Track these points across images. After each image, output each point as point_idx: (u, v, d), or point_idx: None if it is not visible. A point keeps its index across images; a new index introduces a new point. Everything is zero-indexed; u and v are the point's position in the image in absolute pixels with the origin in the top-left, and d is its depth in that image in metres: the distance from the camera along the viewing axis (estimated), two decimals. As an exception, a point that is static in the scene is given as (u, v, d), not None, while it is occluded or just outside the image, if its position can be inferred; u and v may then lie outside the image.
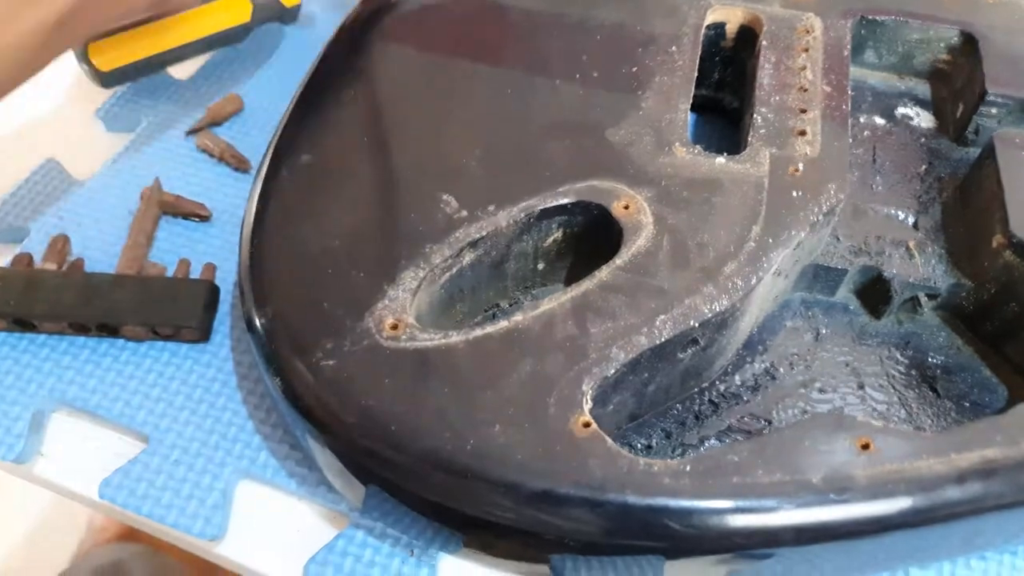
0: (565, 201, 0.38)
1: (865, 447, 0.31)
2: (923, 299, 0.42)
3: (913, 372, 0.41)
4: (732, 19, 0.50)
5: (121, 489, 0.36)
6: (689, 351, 0.36)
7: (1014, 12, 0.50)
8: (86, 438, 0.39)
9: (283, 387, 0.33)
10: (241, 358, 0.41)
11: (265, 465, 0.37)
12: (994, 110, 0.47)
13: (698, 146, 0.41)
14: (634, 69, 0.45)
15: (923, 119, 0.50)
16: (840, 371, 0.41)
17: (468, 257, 0.37)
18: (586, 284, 0.35)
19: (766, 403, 0.40)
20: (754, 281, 0.36)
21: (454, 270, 0.37)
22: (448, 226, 0.37)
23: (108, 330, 0.41)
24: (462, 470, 0.30)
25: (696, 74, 0.45)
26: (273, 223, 0.38)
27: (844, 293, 0.44)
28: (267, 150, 0.42)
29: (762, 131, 0.42)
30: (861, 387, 0.40)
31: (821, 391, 0.40)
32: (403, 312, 0.34)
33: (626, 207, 0.38)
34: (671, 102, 0.43)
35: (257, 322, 0.34)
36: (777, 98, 0.44)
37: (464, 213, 0.38)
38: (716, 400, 0.40)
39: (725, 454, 0.31)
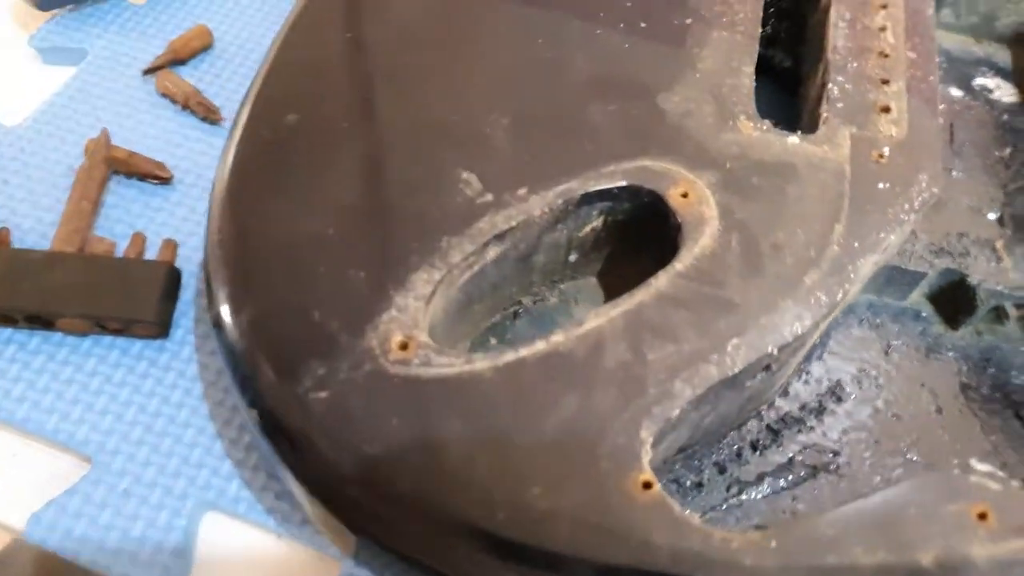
0: (612, 185, 0.31)
1: (982, 517, 0.25)
2: (1010, 309, 0.36)
3: (996, 395, 0.35)
4: (794, -36, 0.42)
5: (55, 528, 0.29)
6: (759, 377, 0.30)
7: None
8: (11, 460, 0.32)
9: (261, 423, 0.26)
10: (208, 360, 0.34)
11: (237, 498, 0.30)
12: (1095, 87, 0.40)
13: (767, 121, 0.34)
14: (688, 21, 0.37)
15: (1004, 91, 0.44)
16: (914, 392, 0.35)
17: (493, 252, 0.30)
18: (640, 295, 0.28)
19: (833, 430, 0.34)
20: (840, 296, 0.29)
21: (476, 268, 0.30)
22: (470, 213, 0.30)
23: (41, 322, 0.33)
24: (491, 543, 0.24)
25: (760, 30, 0.38)
26: (251, 196, 0.30)
27: (916, 298, 0.38)
28: (244, 101, 0.34)
29: (839, 105, 0.35)
30: (939, 411, 0.35)
31: (896, 417, 0.34)
32: (414, 327, 0.27)
33: (684, 195, 0.31)
34: (733, 64, 0.36)
35: (228, 331, 0.27)
36: (855, 64, 0.37)
37: (489, 197, 0.30)
38: (776, 427, 0.34)
39: (816, 526, 0.25)
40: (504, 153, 0.32)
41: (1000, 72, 0.45)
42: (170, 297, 0.34)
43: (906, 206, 0.32)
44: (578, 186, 0.31)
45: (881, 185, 0.32)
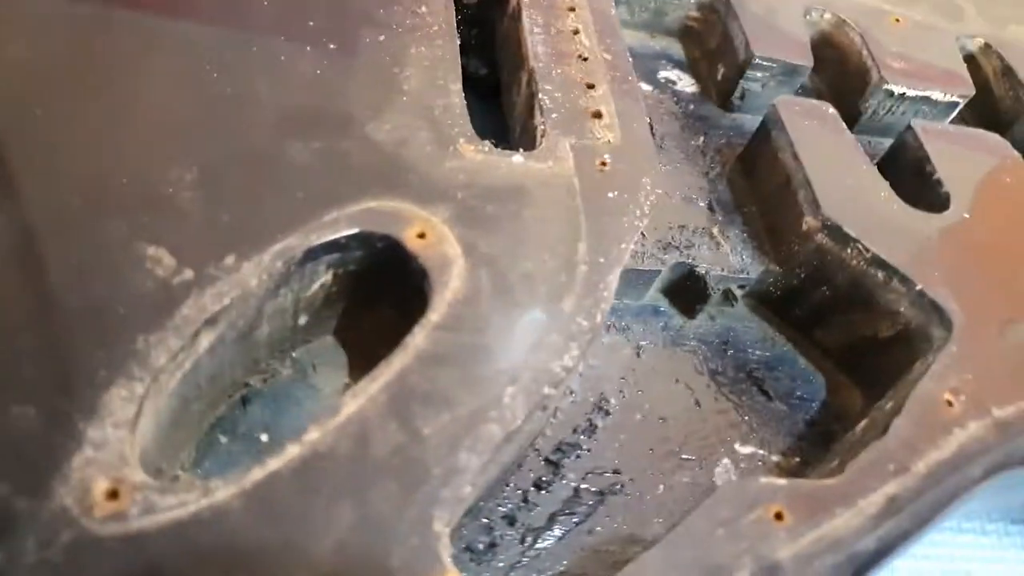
0: (339, 235, 0.27)
1: (779, 517, 0.25)
2: (736, 290, 0.38)
3: (741, 375, 0.37)
4: (475, -27, 0.41)
5: None
6: (536, 419, 0.28)
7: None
8: None
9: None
10: None
11: None
12: (759, 74, 0.44)
13: (487, 141, 0.32)
14: (381, 38, 0.34)
15: (685, 82, 0.46)
16: (672, 389, 0.35)
17: (206, 340, 0.25)
18: (399, 360, 0.25)
19: (608, 448, 0.33)
20: (599, 317, 0.28)
21: (188, 366, 0.24)
22: (167, 299, 0.24)
23: None
24: None
25: (458, 42, 0.35)
26: None
27: (653, 294, 0.38)
28: None
29: (554, 116, 0.34)
30: (697, 404, 0.35)
31: (662, 420, 0.34)
32: (122, 465, 0.21)
33: (422, 235, 0.28)
34: (439, 81, 0.33)
35: None
36: (559, 71, 0.36)
37: (188, 274, 0.25)
38: (554, 458, 0.32)
39: (638, 573, 0.23)
40: (195, 216, 0.26)
41: (678, 64, 0.47)
42: None
43: (637, 212, 0.31)
44: (298, 242, 0.26)
45: (611, 195, 0.32)
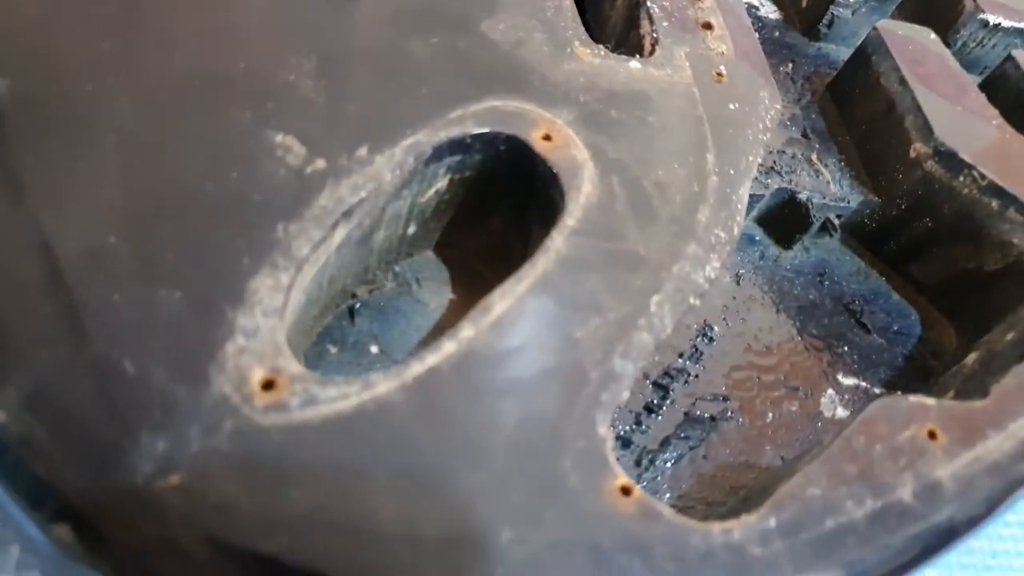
0: (466, 133, 0.25)
1: (932, 436, 0.24)
2: (834, 219, 0.36)
3: (839, 308, 0.36)
4: None
5: None
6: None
7: None
8: None
9: (81, 543, 0.17)
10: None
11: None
12: (850, 0, 0.42)
13: (601, 46, 0.30)
14: (486, -63, 0.32)
15: (768, 8, 0.44)
16: (774, 319, 0.34)
17: (339, 235, 0.23)
18: (542, 263, 0.23)
19: (715, 374, 0.32)
20: (736, 230, 0.27)
21: (323, 258, 0.23)
22: (302, 188, 0.22)
23: None
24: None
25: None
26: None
27: (748, 223, 0.37)
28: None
29: (665, 24, 0.32)
30: (800, 334, 0.34)
31: (767, 349, 0.33)
32: (277, 355, 0.19)
33: (547, 137, 0.26)
34: (547, -16, 0.31)
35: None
36: (664, -19, 0.34)
37: (320, 163, 0.23)
38: (662, 382, 0.31)
39: (803, 491, 0.22)
40: (321, 106, 0.24)
41: (758, -10, 0.45)
42: None
43: (760, 125, 0.30)
44: (427, 138, 0.25)
45: (732, 106, 0.30)
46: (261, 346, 0.19)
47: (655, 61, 0.30)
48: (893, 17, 0.46)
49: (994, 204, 0.33)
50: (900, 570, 0.22)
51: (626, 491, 0.20)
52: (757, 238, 0.37)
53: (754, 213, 0.36)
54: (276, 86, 0.24)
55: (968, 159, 0.33)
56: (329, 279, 0.25)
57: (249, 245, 0.21)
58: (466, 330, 0.21)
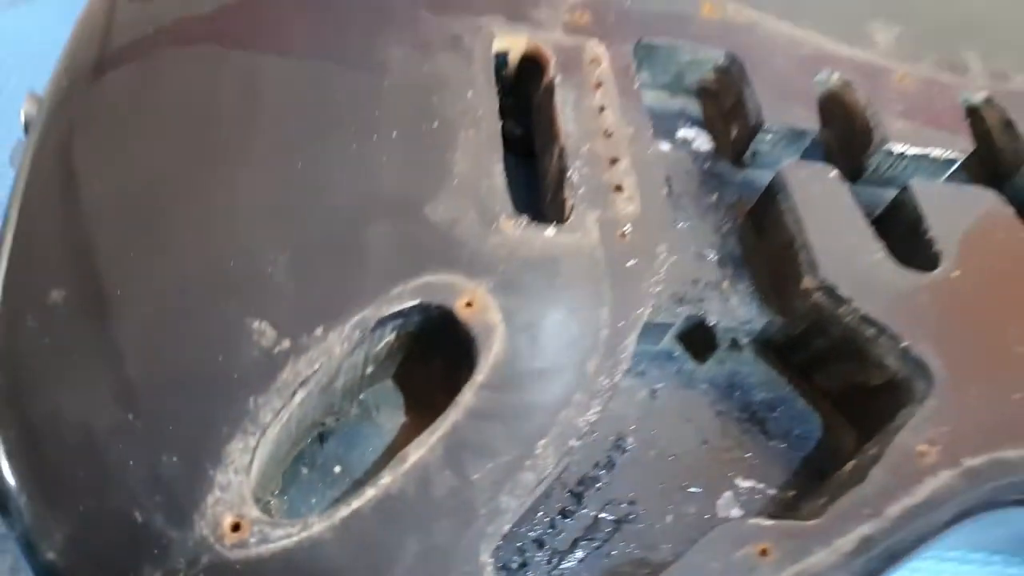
0: (403, 306, 0.33)
1: (764, 553, 0.31)
2: (740, 340, 0.43)
3: (744, 415, 0.42)
4: (515, 48, 0.46)
5: None
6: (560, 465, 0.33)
7: (769, 34, 0.52)
8: None
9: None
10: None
11: None
12: (769, 136, 0.48)
13: (523, 216, 0.37)
14: (435, 124, 0.39)
15: (701, 141, 0.51)
16: (682, 429, 0.41)
17: (300, 397, 0.31)
18: (452, 416, 0.30)
19: (625, 481, 0.38)
20: (618, 377, 0.33)
21: (285, 419, 0.30)
22: (270, 365, 0.30)
23: None
24: None
25: (500, 124, 0.41)
26: (32, 396, 0.28)
27: (667, 341, 0.43)
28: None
29: (581, 191, 0.39)
30: (705, 442, 0.41)
31: (674, 457, 0.40)
32: (242, 503, 0.27)
33: (469, 304, 0.33)
34: (483, 163, 0.39)
35: (43, 554, 0.25)
36: (586, 147, 0.41)
37: (286, 343, 0.31)
38: (576, 490, 0.37)
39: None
40: (290, 293, 0.32)
41: (696, 122, 0.52)
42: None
43: (653, 279, 0.37)
44: (372, 313, 0.32)
45: (630, 263, 0.37)
46: (231, 497, 0.27)
47: (569, 226, 0.37)
48: (823, 138, 0.53)
49: (869, 331, 0.39)
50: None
51: (497, 605, 0.27)
52: (676, 354, 0.43)
53: (671, 333, 0.43)
54: (258, 277, 0.32)
55: (846, 294, 0.40)
56: (297, 423, 0.32)
57: (227, 416, 0.28)
58: (385, 477, 0.28)
